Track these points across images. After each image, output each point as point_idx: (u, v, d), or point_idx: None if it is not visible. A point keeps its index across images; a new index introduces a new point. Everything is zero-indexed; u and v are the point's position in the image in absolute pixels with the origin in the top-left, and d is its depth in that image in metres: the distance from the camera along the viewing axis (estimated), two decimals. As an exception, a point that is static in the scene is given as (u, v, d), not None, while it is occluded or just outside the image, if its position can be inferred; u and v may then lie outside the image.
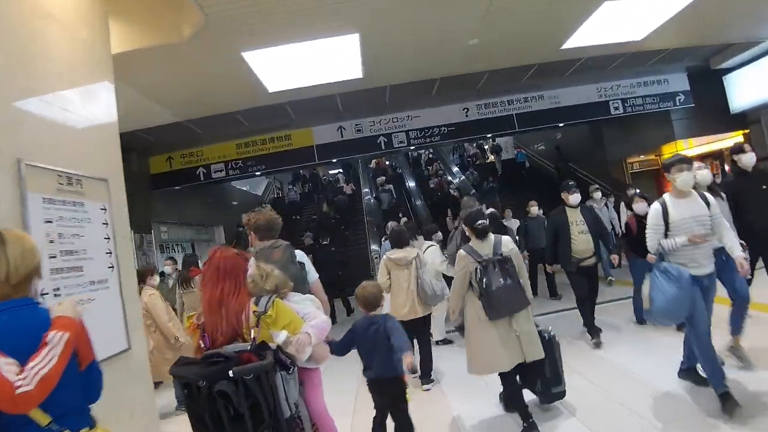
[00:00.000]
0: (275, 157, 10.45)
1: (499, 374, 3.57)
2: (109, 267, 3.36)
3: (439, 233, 7.05)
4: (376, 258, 9.90)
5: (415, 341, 4.85)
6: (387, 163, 20.31)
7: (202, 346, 2.21)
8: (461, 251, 3.66)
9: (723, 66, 10.73)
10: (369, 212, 15.27)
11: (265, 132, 10.36)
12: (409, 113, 10.49)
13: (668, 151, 15.69)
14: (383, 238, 7.51)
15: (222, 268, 2.27)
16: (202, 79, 6.24)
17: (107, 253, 3.35)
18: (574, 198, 5.42)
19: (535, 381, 3.68)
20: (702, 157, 15.00)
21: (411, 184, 18.86)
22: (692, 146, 14.84)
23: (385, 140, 10.49)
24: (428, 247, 5.96)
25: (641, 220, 4.86)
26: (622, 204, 8.13)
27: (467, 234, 3.79)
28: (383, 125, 10.49)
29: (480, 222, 3.62)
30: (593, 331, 5.26)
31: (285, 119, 9.75)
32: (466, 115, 10.61)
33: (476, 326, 3.53)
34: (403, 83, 8.18)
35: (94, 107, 3.53)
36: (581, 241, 5.28)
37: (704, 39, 8.64)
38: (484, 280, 3.43)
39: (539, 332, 3.61)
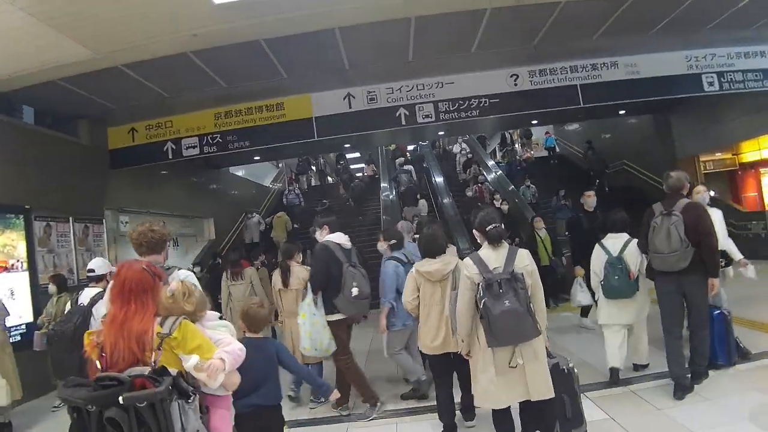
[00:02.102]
0: (262, 131, 8.03)
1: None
2: None
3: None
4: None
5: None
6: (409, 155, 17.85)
7: (99, 366, 2.03)
8: (468, 259, 3.11)
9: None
10: (385, 209, 12.84)
11: (251, 98, 7.99)
12: (439, 79, 7.93)
13: (749, 149, 13.14)
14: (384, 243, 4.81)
15: (128, 288, 2.12)
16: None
17: None
18: None
19: (552, 424, 3.11)
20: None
21: (438, 179, 16.35)
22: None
23: (407, 113, 7.95)
24: (627, 243, 4.50)
25: None
26: None
27: (478, 240, 3.25)
28: (405, 93, 7.95)
29: (493, 225, 3.07)
30: None
31: (274, 78, 7.37)
32: (515, 84, 7.98)
33: (476, 351, 3.11)
34: (433, 18, 5.59)
35: None
36: None
37: None
38: (485, 300, 2.88)
39: (555, 365, 3.14)
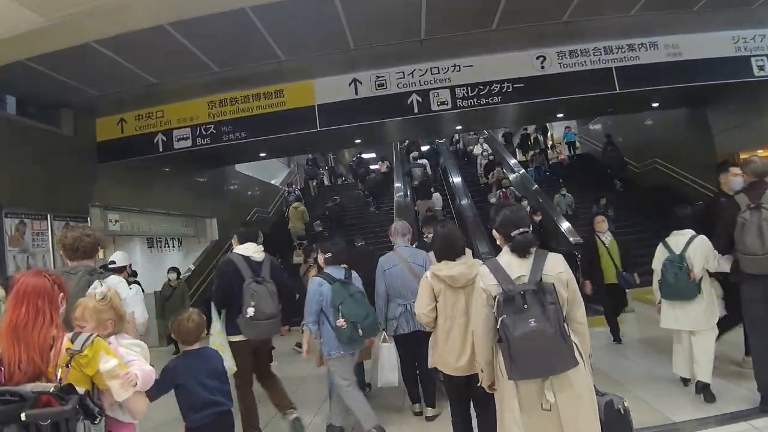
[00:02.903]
0: (260, 120, 7.26)
1: None
2: None
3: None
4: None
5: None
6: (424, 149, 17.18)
7: None
8: (483, 267, 2.53)
9: None
10: (398, 208, 12.04)
11: (248, 85, 7.26)
12: (456, 61, 7.07)
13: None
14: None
15: (22, 291, 1.97)
16: None
17: None
18: None
19: None
20: None
21: (456, 179, 15.47)
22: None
23: (420, 99, 7.11)
24: (691, 240, 4.01)
25: None
26: None
27: (498, 243, 2.62)
28: (417, 78, 7.11)
29: (520, 231, 2.45)
30: None
31: (271, 61, 6.66)
32: (542, 66, 7.08)
33: (497, 383, 2.49)
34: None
35: None
36: None
37: None
38: (503, 318, 2.28)
39: (608, 403, 2.41)
